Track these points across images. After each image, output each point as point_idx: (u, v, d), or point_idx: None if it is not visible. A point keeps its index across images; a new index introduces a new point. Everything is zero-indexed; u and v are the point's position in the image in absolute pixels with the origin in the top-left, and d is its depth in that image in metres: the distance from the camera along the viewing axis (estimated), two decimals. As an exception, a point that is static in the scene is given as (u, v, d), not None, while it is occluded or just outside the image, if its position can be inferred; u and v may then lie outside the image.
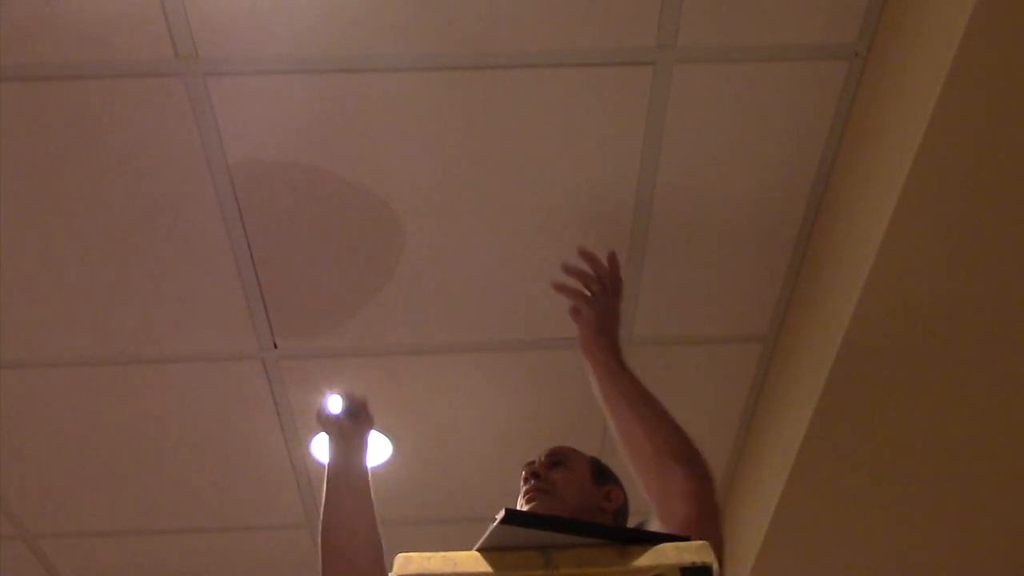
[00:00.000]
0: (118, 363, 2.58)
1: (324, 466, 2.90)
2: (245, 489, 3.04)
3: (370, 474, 1.95)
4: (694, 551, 1.49)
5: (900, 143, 1.91)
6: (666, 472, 1.75)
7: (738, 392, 2.76)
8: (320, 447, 2.88)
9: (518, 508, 1.90)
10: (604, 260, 2.14)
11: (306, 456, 2.91)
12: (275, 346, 2.55)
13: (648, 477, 1.79)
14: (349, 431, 1.96)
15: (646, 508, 1.78)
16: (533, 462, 1.97)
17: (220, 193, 2.21)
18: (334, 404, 1.97)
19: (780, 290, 2.49)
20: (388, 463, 2.93)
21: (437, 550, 1.52)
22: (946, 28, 1.74)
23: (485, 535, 1.53)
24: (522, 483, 1.94)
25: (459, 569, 1.48)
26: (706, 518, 1.68)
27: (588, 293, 2.13)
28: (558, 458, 1.98)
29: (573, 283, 2.13)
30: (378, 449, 2.89)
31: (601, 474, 1.98)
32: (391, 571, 1.51)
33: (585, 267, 2.14)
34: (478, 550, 1.52)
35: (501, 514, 1.49)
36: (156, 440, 2.83)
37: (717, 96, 2.10)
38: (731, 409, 2.81)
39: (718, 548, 1.62)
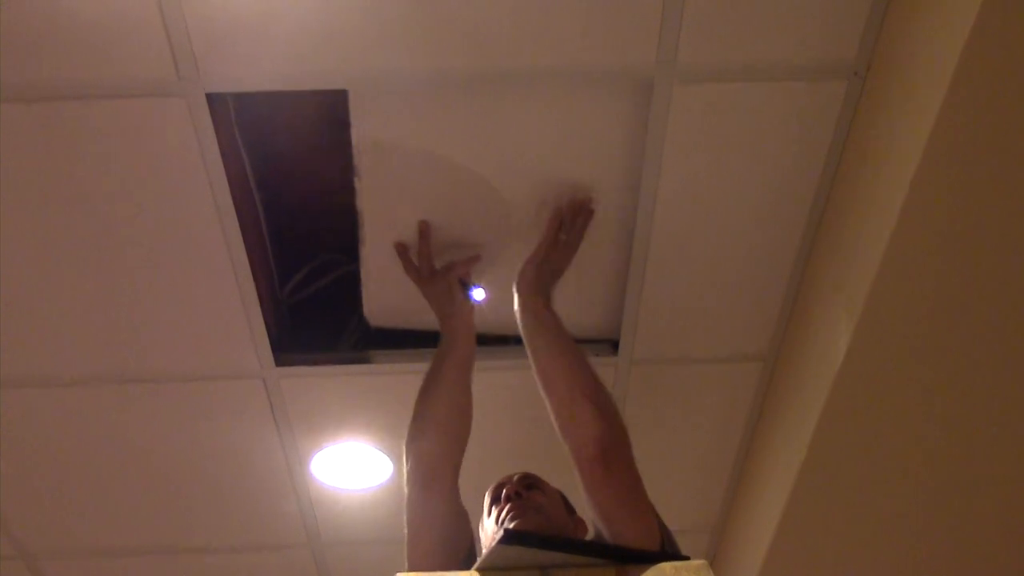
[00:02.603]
0: (118, 382, 2.58)
1: (326, 486, 2.93)
2: (246, 508, 3.04)
3: (465, 348, 2.18)
4: (693, 571, 1.49)
5: (899, 162, 1.92)
6: (577, 411, 1.81)
7: (739, 411, 2.75)
8: (320, 466, 2.87)
9: (491, 530, 1.90)
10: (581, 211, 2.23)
11: (307, 475, 2.91)
12: (276, 364, 2.55)
13: (560, 415, 1.86)
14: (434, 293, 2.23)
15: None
16: (503, 484, 1.97)
17: (221, 211, 2.21)
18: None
19: (780, 309, 2.49)
20: (388, 483, 2.92)
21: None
22: (945, 47, 1.75)
23: (484, 555, 1.53)
24: (496, 504, 1.93)
25: None
26: (611, 456, 1.75)
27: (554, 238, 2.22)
28: (532, 481, 1.99)
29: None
30: (377, 469, 2.89)
31: (568, 505, 2.01)
32: None
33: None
34: (477, 569, 1.52)
35: (500, 534, 1.49)
36: (156, 460, 2.82)
37: (717, 115, 2.10)
38: (732, 428, 2.81)
39: (627, 485, 1.74)
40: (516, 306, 2.11)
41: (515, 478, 1.98)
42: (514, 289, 2.14)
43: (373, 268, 2.38)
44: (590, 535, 1.88)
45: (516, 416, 2.72)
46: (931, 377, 2.24)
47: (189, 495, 2.96)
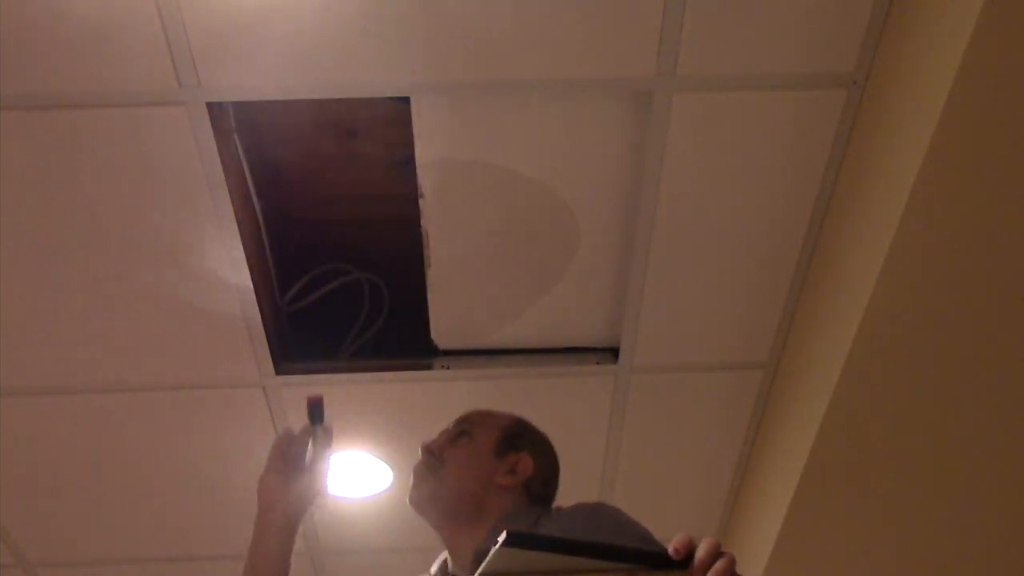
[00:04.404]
0: (118, 391, 2.58)
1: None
2: (246, 517, 3.02)
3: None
4: None
5: (899, 170, 1.92)
6: None
7: (740, 419, 2.75)
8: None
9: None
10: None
11: (307, 484, 2.90)
12: (276, 373, 2.55)
13: None
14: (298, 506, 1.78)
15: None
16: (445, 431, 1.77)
17: (221, 220, 2.21)
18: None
19: (781, 316, 2.49)
20: (388, 491, 2.91)
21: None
22: (943, 57, 1.75)
23: (487, 559, 1.49)
24: None
25: None
26: None
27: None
28: (463, 427, 1.77)
29: None
30: (377, 477, 2.88)
31: (509, 442, 1.74)
32: None
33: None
34: None
35: (503, 536, 1.43)
36: (156, 468, 2.82)
37: (716, 124, 2.11)
38: (733, 436, 2.80)
39: None
40: None
41: (450, 425, 1.78)
42: None
43: (438, 291, 2.34)
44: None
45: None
46: (931, 384, 2.24)
47: (189, 503, 2.95)
